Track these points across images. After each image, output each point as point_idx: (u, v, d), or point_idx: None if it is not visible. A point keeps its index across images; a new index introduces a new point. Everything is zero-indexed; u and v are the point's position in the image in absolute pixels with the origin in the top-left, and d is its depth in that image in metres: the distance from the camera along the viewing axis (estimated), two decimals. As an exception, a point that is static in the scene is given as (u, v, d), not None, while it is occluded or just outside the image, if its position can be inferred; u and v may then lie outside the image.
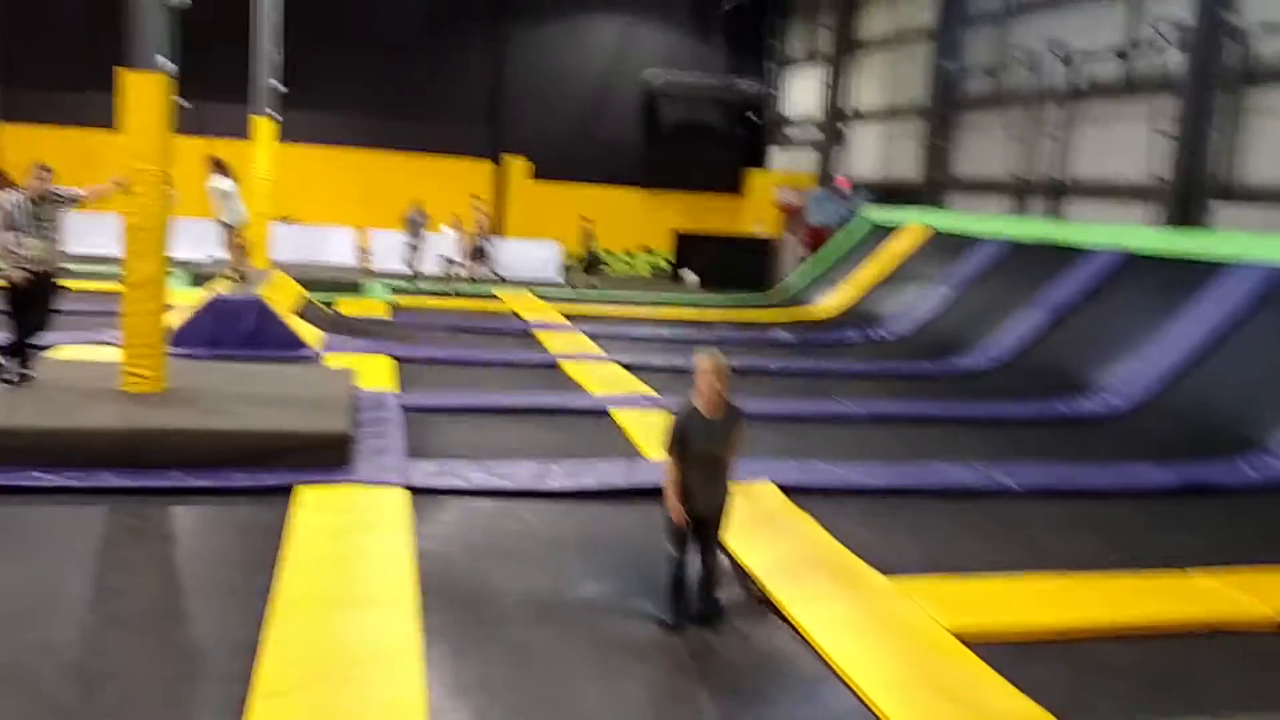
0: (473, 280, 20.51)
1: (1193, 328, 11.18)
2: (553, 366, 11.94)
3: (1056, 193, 16.40)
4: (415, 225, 19.67)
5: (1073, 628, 5.25)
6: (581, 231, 21.84)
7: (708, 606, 5.47)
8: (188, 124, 21.62)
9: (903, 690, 4.42)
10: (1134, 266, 12.96)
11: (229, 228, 13.40)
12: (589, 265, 21.79)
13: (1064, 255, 14.08)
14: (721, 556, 5.63)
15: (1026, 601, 5.51)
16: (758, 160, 27.16)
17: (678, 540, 5.38)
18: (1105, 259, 13.38)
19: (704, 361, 5.34)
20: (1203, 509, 7.69)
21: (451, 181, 23.41)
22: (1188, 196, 13.28)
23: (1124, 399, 10.85)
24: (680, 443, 5.29)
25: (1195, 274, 11.76)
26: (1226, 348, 10.70)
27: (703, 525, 5.39)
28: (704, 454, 5.29)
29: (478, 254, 20.47)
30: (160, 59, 7.57)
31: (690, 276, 23.53)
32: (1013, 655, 4.86)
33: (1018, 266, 14.96)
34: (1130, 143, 14.67)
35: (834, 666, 4.69)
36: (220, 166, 13.45)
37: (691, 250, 23.94)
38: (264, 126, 15.15)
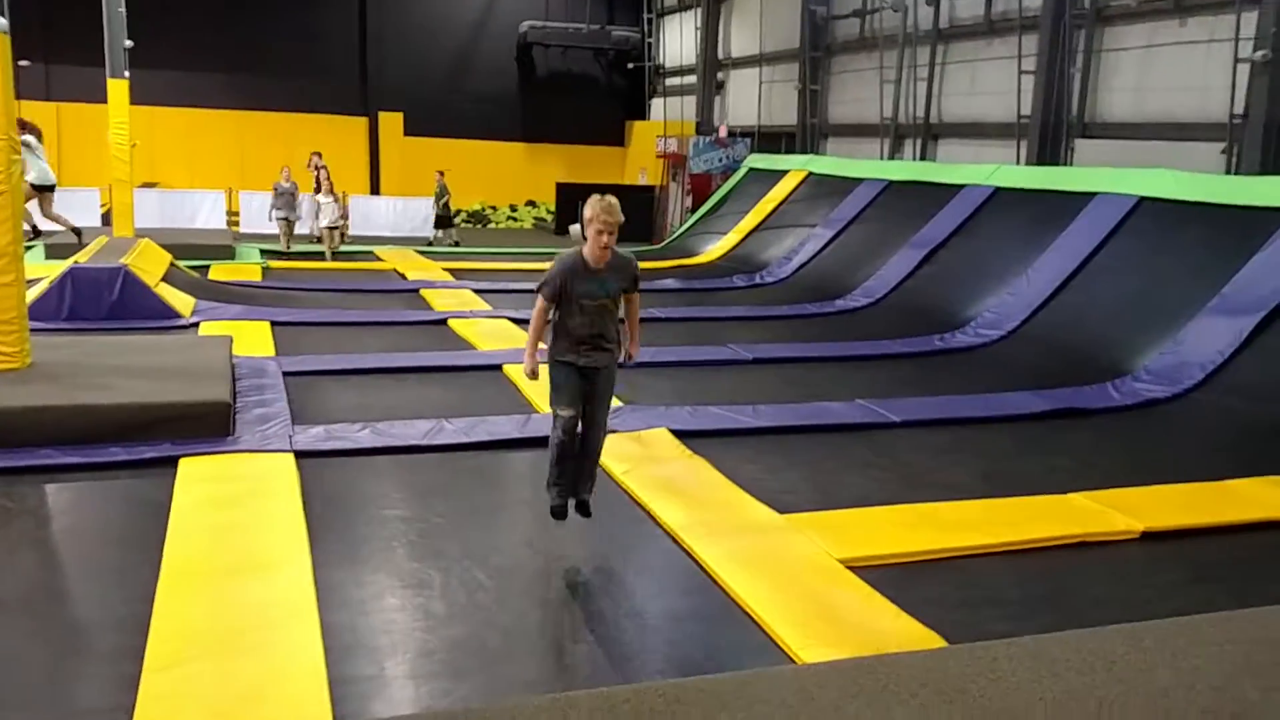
0: (344, 238, 19.95)
1: (1059, 260, 11.66)
2: (441, 324, 11.80)
3: (928, 133, 16.80)
4: (289, 196, 17.87)
5: (955, 551, 5.46)
6: (436, 185, 20.94)
7: (579, 496, 5.23)
8: (36, 89, 20.67)
9: (797, 617, 4.56)
10: (1003, 203, 13.43)
11: (39, 190, 13.07)
12: (439, 220, 21.06)
13: (937, 194, 14.50)
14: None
15: (910, 529, 5.71)
16: (639, 110, 27.06)
17: (561, 396, 4.95)
18: (976, 197, 13.83)
19: (590, 207, 4.87)
20: (1073, 432, 8.07)
21: (324, 141, 22.66)
22: (1051, 133, 13.79)
23: (997, 330, 11.28)
24: (557, 292, 4.87)
25: (1060, 208, 12.24)
26: (1090, 278, 11.20)
27: (587, 390, 5.03)
28: (586, 308, 4.90)
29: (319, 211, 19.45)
30: (-2, 17, 7.16)
31: (576, 230, 23.40)
32: (900, 581, 5.03)
33: (893, 207, 15.36)
34: (996, 82, 15.10)
35: (734, 597, 4.81)
36: (25, 126, 13.13)
37: (576, 202, 23.76)
38: (119, 89, 14.46)
